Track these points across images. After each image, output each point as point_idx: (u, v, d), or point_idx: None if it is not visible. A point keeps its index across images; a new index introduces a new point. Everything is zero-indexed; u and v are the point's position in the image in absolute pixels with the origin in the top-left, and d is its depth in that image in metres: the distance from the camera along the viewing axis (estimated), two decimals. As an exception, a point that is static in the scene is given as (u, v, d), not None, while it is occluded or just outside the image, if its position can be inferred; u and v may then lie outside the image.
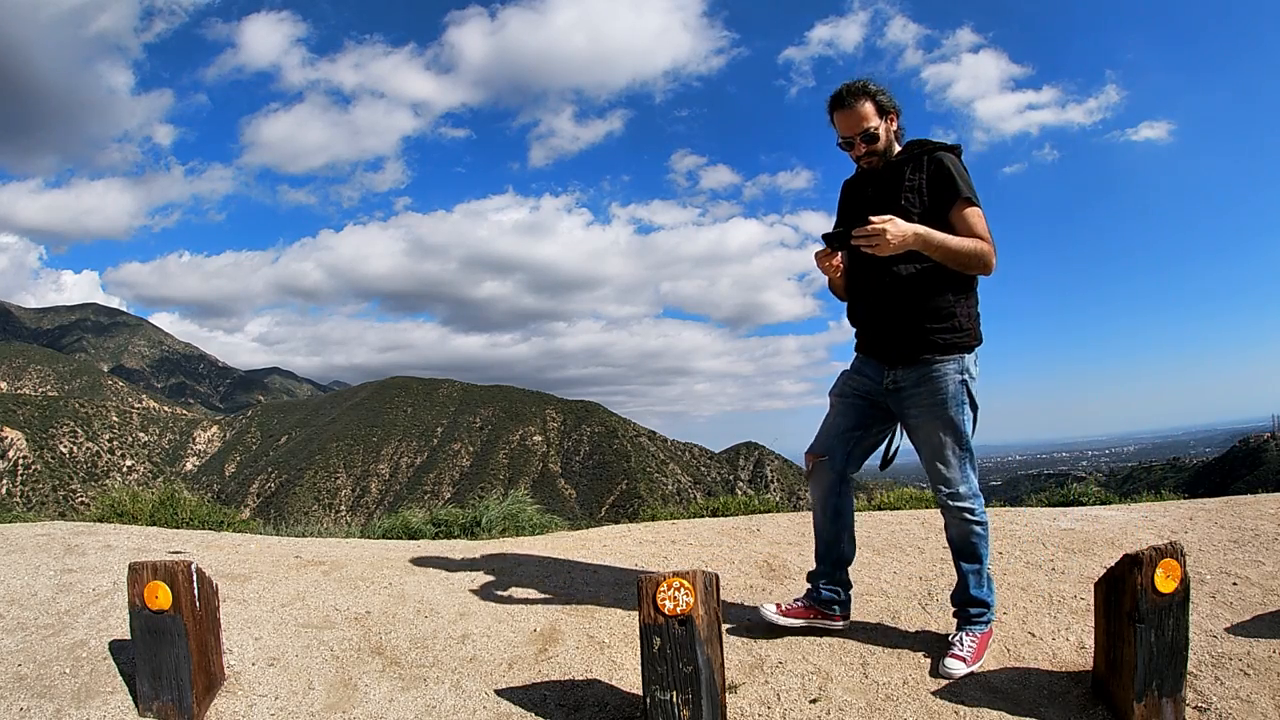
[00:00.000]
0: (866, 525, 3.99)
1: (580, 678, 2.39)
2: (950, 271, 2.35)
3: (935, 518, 4.09)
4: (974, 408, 2.44)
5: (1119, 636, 2.04)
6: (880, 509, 5.17)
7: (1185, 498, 5.00)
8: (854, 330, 2.60)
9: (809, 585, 2.62)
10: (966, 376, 2.41)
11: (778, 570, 3.29)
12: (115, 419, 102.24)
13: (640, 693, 2.08)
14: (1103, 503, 4.92)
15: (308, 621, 2.74)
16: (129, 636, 2.23)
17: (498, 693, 2.30)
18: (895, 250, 2.24)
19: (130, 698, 2.18)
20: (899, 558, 3.35)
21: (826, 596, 2.58)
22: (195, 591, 2.15)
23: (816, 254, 2.47)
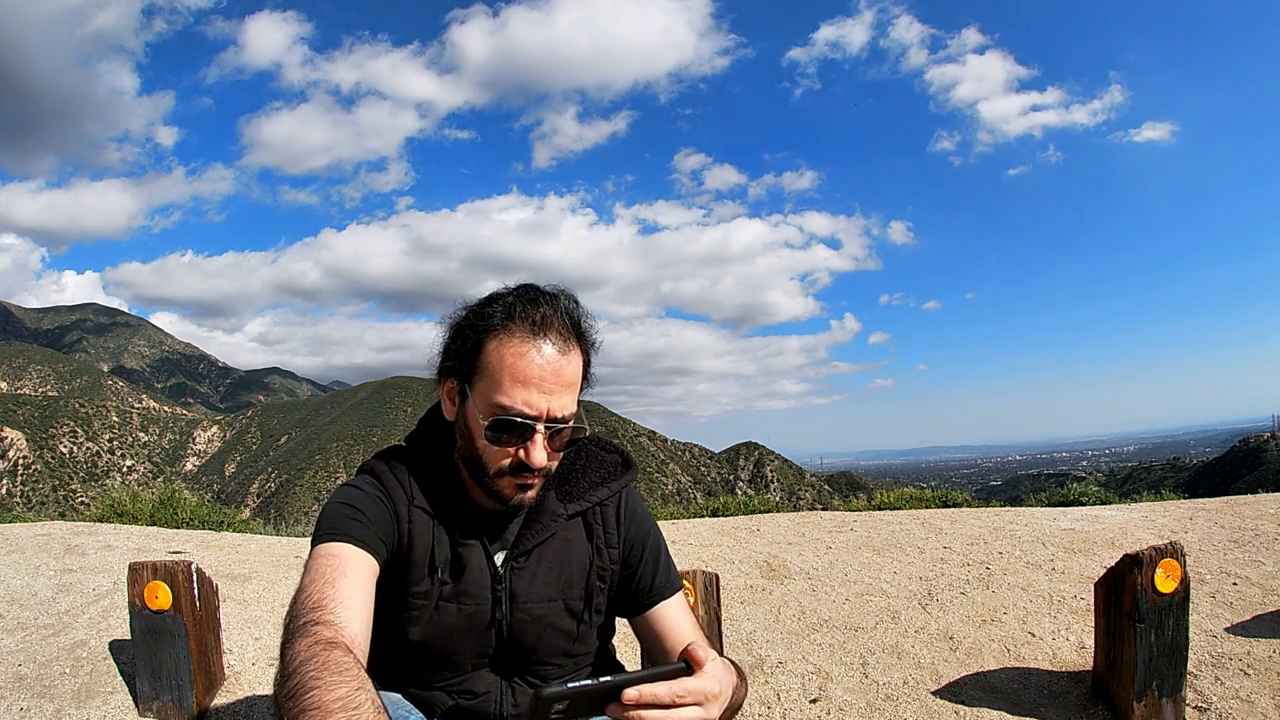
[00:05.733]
0: (866, 525, 3.99)
1: (580, 678, 2.38)
2: None
3: (935, 518, 4.09)
4: None
5: (1119, 636, 2.04)
6: (880, 509, 5.16)
7: (1185, 498, 5.01)
8: None
9: None
10: None
11: (778, 570, 3.29)
12: (115, 419, 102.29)
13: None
14: (1103, 503, 4.92)
15: (308, 621, 2.74)
16: (129, 636, 2.23)
17: (498, 693, 2.30)
18: None
19: (130, 698, 2.18)
20: (899, 558, 3.35)
21: None
22: (195, 591, 2.15)
23: None
